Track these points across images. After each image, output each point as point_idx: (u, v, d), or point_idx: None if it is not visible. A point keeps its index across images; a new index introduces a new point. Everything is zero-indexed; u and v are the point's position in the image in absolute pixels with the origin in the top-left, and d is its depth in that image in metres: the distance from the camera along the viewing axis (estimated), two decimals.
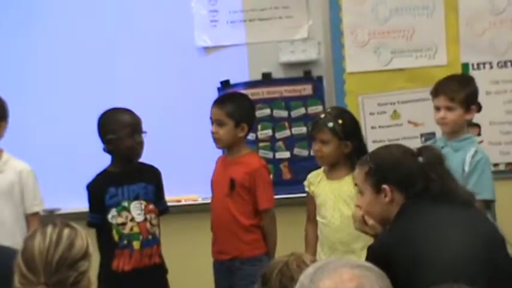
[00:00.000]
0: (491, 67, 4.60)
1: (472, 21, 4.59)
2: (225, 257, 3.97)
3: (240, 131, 3.95)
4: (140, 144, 3.88)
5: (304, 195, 4.41)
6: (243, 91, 4.58)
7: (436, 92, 3.89)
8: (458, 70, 4.54)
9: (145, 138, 3.91)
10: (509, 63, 4.60)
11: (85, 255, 2.04)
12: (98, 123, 3.92)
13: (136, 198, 3.89)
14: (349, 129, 3.80)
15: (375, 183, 2.78)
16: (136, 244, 3.86)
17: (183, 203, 4.58)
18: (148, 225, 3.89)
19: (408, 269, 2.54)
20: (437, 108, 3.87)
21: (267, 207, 3.97)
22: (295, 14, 4.67)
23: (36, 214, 3.98)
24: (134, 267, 3.85)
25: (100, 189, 3.89)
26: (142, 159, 3.96)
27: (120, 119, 3.89)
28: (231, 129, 3.93)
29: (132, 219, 3.87)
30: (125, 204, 3.87)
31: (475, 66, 4.60)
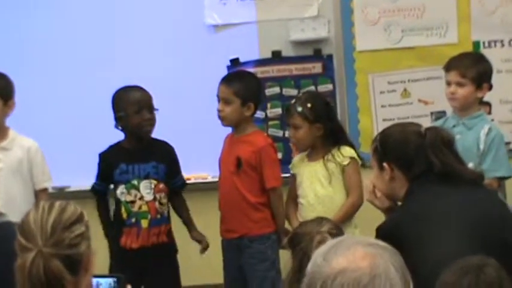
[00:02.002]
0: (503, 45, 4.58)
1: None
2: (234, 235, 3.97)
3: (247, 109, 3.93)
4: (148, 121, 3.88)
5: None
6: (253, 69, 4.57)
7: (448, 67, 3.88)
8: (469, 48, 4.52)
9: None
10: None
11: (79, 219, 2.07)
12: (112, 101, 3.94)
13: (146, 177, 3.89)
14: (319, 112, 3.81)
15: (378, 160, 2.86)
16: (144, 222, 3.87)
17: (192, 181, 4.58)
18: (157, 204, 3.90)
19: (417, 246, 2.56)
20: (449, 83, 3.86)
21: (274, 185, 3.95)
22: None
23: (45, 190, 4.00)
24: (142, 245, 3.87)
25: (111, 162, 3.91)
26: (154, 136, 3.97)
27: (128, 96, 3.90)
28: (237, 107, 3.91)
29: (141, 198, 3.88)
30: (135, 182, 3.88)
31: (486, 45, 4.58)
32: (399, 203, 2.89)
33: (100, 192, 3.99)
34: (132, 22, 4.71)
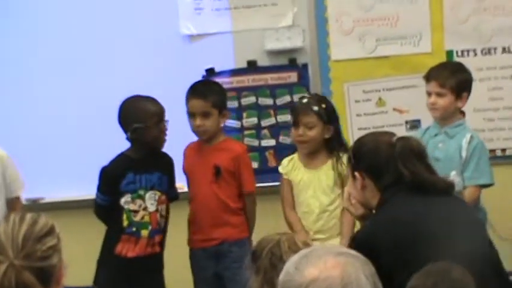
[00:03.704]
0: (475, 54, 4.62)
1: (456, 8, 4.60)
2: (213, 243, 3.99)
3: (222, 118, 3.96)
4: (165, 132, 3.90)
5: None
6: (228, 79, 4.59)
7: (428, 77, 3.93)
8: (442, 57, 4.55)
9: None
10: (493, 50, 4.62)
11: (50, 231, 2.06)
12: (121, 111, 3.90)
13: (152, 188, 3.91)
14: (332, 113, 3.85)
15: (351, 169, 2.89)
16: (144, 233, 3.89)
17: None
18: (158, 216, 3.91)
19: (391, 255, 2.58)
20: (429, 94, 3.90)
21: (252, 190, 4.03)
22: (280, 1, 4.67)
23: (19, 198, 3.96)
24: (138, 254, 3.88)
25: (117, 174, 3.88)
26: None
27: (146, 108, 3.87)
28: (216, 118, 3.94)
29: (145, 209, 3.89)
30: (141, 192, 3.89)
31: (459, 54, 4.61)
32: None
33: (106, 207, 3.93)
34: (107, 32, 4.70)
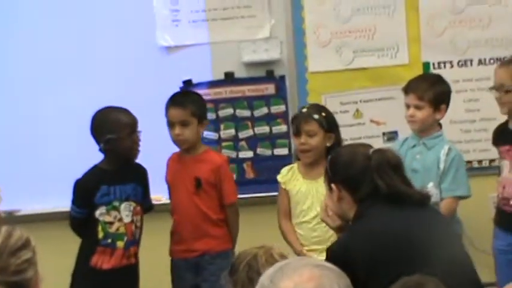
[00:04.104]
0: (452, 66, 4.65)
1: (432, 21, 4.63)
2: (194, 254, 3.99)
3: (201, 128, 3.97)
4: (138, 143, 3.89)
5: (267, 194, 4.44)
6: (206, 90, 4.59)
7: (406, 90, 3.95)
8: (419, 69, 4.58)
9: None
10: (469, 62, 4.65)
11: (26, 244, 2.04)
12: (93, 122, 3.88)
13: (127, 199, 3.89)
14: (332, 121, 3.88)
15: (327, 181, 2.88)
16: (120, 244, 3.87)
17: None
18: (133, 227, 3.91)
19: (367, 267, 2.58)
20: (407, 106, 3.92)
21: (233, 200, 4.04)
22: (258, 13, 4.67)
23: None
24: (113, 266, 3.86)
25: (91, 186, 3.86)
26: None
27: (118, 118, 3.86)
28: (195, 128, 3.94)
29: (120, 220, 3.87)
30: (116, 204, 3.88)
31: (436, 65, 4.64)
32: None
33: (81, 220, 3.91)
34: (84, 43, 4.68)
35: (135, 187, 3.93)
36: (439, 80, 4.01)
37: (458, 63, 4.65)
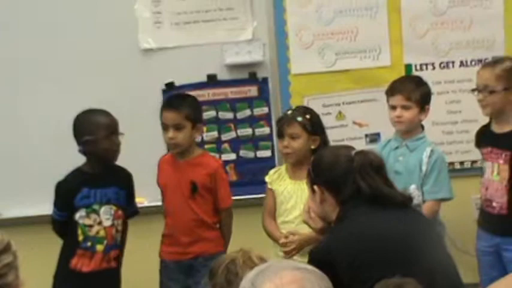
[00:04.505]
0: (434, 68, 4.66)
1: (414, 23, 4.64)
2: (188, 256, 3.99)
3: (195, 132, 3.96)
4: (117, 145, 3.86)
5: (250, 196, 4.44)
6: (188, 93, 4.56)
7: (392, 91, 3.96)
8: (401, 71, 4.59)
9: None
10: (451, 64, 4.67)
11: (6, 248, 2.03)
12: (74, 125, 3.88)
13: (107, 202, 3.87)
14: (317, 124, 3.87)
15: (310, 182, 2.88)
16: (99, 247, 3.85)
17: None
18: (114, 231, 3.89)
19: (349, 270, 2.58)
20: (393, 107, 3.93)
21: (229, 204, 4.05)
22: (240, 15, 4.67)
23: None
24: (93, 269, 3.84)
25: (72, 189, 3.85)
26: None
27: (97, 120, 3.85)
28: (189, 131, 3.93)
29: (100, 223, 3.85)
30: (96, 207, 3.85)
31: (418, 67, 4.65)
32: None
33: (62, 222, 3.90)
34: (66, 46, 4.65)
35: (117, 191, 3.91)
36: (422, 80, 4.06)
37: (440, 65, 4.67)
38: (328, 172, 2.81)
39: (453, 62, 4.66)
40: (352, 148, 2.91)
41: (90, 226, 3.84)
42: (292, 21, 4.68)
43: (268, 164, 4.59)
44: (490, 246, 3.96)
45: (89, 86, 4.63)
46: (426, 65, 4.66)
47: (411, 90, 3.91)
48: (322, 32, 4.67)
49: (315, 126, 3.85)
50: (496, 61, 3.98)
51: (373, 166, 2.78)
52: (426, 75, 4.37)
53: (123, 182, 3.96)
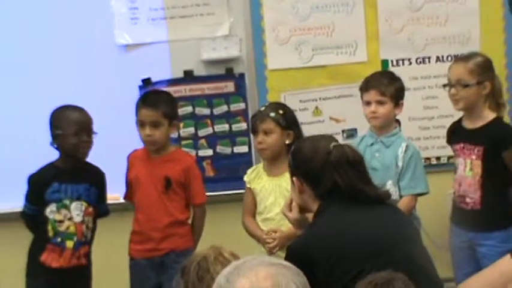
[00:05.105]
0: (410, 63, 4.68)
1: (390, 18, 4.65)
2: (160, 253, 3.97)
3: (172, 128, 3.95)
4: (86, 143, 3.85)
5: (227, 192, 4.44)
6: (165, 89, 4.55)
7: (366, 87, 3.96)
8: (378, 67, 4.60)
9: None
10: (427, 60, 4.68)
11: None
12: (50, 118, 3.88)
13: (78, 198, 3.87)
14: (290, 118, 3.87)
15: (290, 174, 2.88)
16: (69, 243, 3.84)
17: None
18: (84, 227, 3.88)
19: (327, 265, 2.58)
20: (368, 103, 3.93)
21: (203, 201, 4.04)
22: (217, 11, 4.66)
23: None
24: (62, 265, 3.83)
25: (43, 182, 3.85)
26: None
27: (68, 116, 3.84)
28: (166, 129, 3.92)
29: (70, 219, 3.84)
30: (66, 202, 3.85)
31: (395, 63, 4.67)
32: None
33: (32, 216, 3.90)
34: (42, 42, 4.63)
35: (88, 188, 3.90)
36: (395, 76, 4.04)
37: (416, 61, 4.68)
38: (306, 165, 2.79)
39: (429, 58, 4.68)
40: (332, 139, 2.87)
41: (61, 221, 3.83)
42: (268, 17, 4.68)
43: (245, 159, 4.59)
44: (464, 242, 3.99)
45: (65, 81, 4.60)
46: (403, 60, 4.67)
47: (385, 85, 3.91)
48: (298, 28, 4.68)
49: (288, 121, 3.85)
50: (469, 56, 4.00)
51: (350, 161, 2.76)
52: (402, 71, 4.38)
53: (95, 180, 3.95)
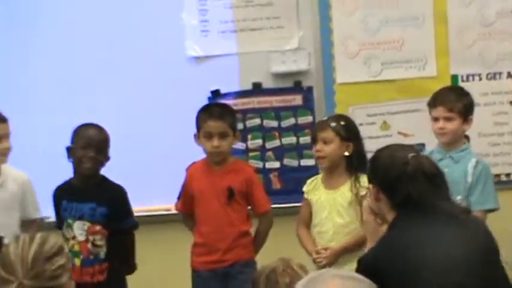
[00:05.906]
0: (480, 79, 4.63)
1: (461, 33, 4.62)
2: (224, 264, 3.98)
3: (235, 140, 4.01)
4: (90, 159, 3.83)
5: (294, 205, 4.44)
6: (234, 101, 4.61)
7: (434, 103, 3.92)
8: (447, 82, 4.57)
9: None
10: (498, 75, 4.64)
11: (59, 250, 2.07)
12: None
13: (80, 218, 3.87)
14: (351, 130, 3.87)
15: (368, 180, 2.87)
16: (77, 261, 3.85)
17: (157, 213, 4.62)
18: (90, 245, 3.86)
19: (399, 280, 2.55)
20: (436, 119, 3.89)
21: (268, 208, 4.05)
22: (286, 24, 4.69)
23: (35, 220, 3.99)
24: (75, 280, 3.83)
25: (57, 201, 3.96)
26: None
27: (82, 131, 3.89)
28: (231, 140, 3.96)
29: (74, 238, 3.87)
30: (70, 221, 3.88)
31: (464, 78, 4.63)
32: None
33: (60, 228, 3.96)
34: (114, 54, 4.71)
35: (94, 207, 3.86)
36: (464, 91, 4.00)
37: (487, 76, 4.64)
38: (383, 174, 2.75)
39: (500, 73, 4.63)
40: (412, 149, 2.81)
41: (67, 239, 3.87)
42: (338, 31, 4.69)
43: (312, 172, 4.57)
44: None
45: (136, 93, 4.68)
46: (473, 75, 4.63)
47: (453, 101, 3.86)
48: (368, 42, 4.67)
49: (348, 132, 3.84)
50: None
51: (426, 173, 2.70)
52: (472, 86, 4.35)
53: (106, 198, 3.88)
